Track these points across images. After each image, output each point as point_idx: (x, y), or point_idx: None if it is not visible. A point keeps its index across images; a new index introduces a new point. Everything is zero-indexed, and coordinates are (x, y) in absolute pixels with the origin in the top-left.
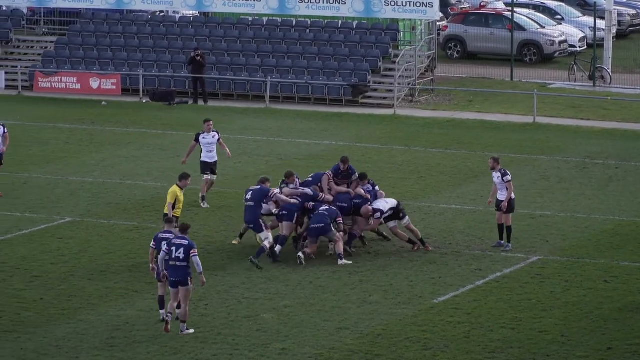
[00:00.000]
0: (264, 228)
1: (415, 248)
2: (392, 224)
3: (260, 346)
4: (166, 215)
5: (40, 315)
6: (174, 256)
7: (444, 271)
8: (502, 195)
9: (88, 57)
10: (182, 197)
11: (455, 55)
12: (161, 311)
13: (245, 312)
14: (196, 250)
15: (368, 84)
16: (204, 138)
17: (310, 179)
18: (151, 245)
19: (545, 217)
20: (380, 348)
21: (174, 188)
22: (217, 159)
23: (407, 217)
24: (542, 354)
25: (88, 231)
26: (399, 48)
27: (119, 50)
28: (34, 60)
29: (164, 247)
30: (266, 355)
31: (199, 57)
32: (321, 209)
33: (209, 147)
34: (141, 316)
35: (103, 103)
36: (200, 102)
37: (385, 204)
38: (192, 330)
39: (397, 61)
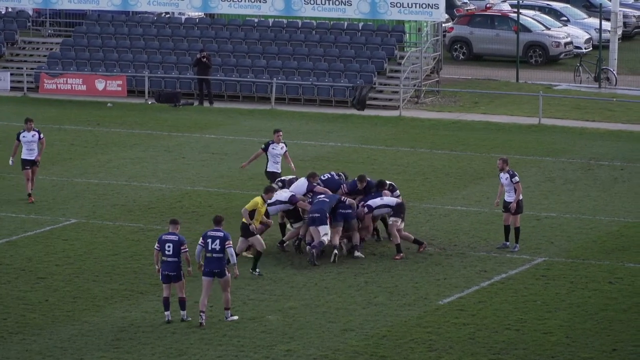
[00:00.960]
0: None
1: (420, 249)
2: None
3: (265, 347)
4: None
5: (45, 317)
6: (210, 248)
7: (449, 272)
8: (509, 197)
9: (93, 58)
10: (263, 209)
11: (461, 56)
12: (166, 312)
13: (251, 313)
14: (231, 242)
15: (374, 86)
16: (273, 149)
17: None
18: (155, 247)
19: (550, 219)
20: (385, 349)
21: (258, 198)
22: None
23: (396, 219)
24: (547, 355)
25: (93, 233)
26: (405, 49)
27: (125, 52)
28: (39, 62)
29: (200, 240)
30: (271, 357)
31: (204, 59)
32: (320, 196)
33: (276, 158)
34: (146, 317)
35: (109, 105)
36: (206, 104)
37: (380, 201)
38: (236, 317)
39: (402, 62)
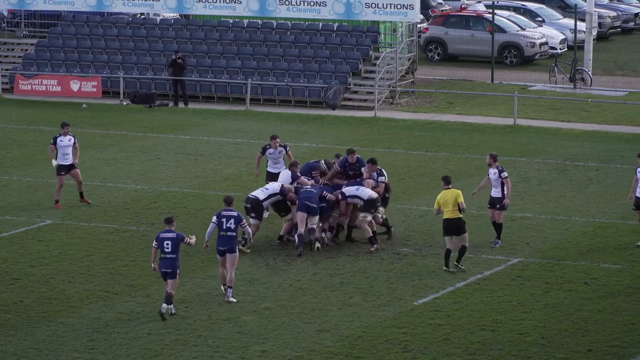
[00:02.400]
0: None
1: (371, 249)
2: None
3: (240, 348)
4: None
5: (20, 318)
6: (224, 227)
7: (424, 273)
8: (496, 192)
9: (69, 59)
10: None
11: (436, 57)
12: (163, 305)
13: (226, 314)
14: (245, 222)
15: (348, 86)
16: (270, 153)
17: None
18: (153, 245)
19: (525, 219)
20: (360, 350)
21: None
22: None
23: (365, 214)
24: (522, 355)
25: (68, 234)
26: (380, 50)
27: (100, 53)
28: (14, 63)
29: (214, 219)
30: (246, 358)
31: (179, 60)
32: (307, 187)
33: (275, 160)
34: (121, 318)
35: (84, 105)
36: (181, 105)
37: (355, 191)
38: (235, 300)
39: (377, 63)
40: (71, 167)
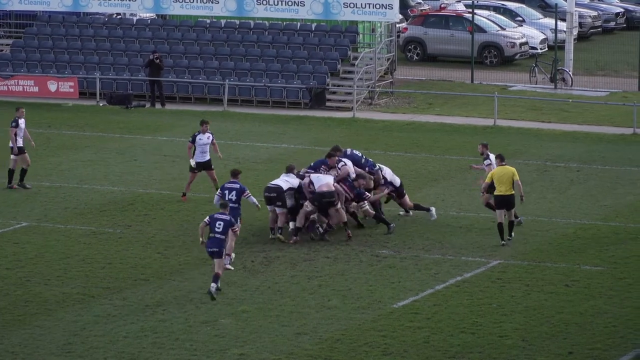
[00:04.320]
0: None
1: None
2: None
3: (218, 351)
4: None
5: None
6: (227, 198)
7: (403, 275)
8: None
9: (45, 60)
10: None
11: (415, 57)
12: (212, 285)
13: (203, 317)
14: (248, 192)
15: (327, 87)
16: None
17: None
18: (205, 220)
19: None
20: (339, 353)
21: None
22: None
23: (362, 204)
24: (502, 358)
25: (44, 236)
26: (358, 50)
27: (76, 53)
28: None
29: (218, 192)
30: None
31: (157, 60)
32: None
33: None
34: (98, 321)
35: (69, 104)
36: (158, 106)
37: (317, 181)
38: (232, 268)
39: (356, 63)
40: (207, 165)
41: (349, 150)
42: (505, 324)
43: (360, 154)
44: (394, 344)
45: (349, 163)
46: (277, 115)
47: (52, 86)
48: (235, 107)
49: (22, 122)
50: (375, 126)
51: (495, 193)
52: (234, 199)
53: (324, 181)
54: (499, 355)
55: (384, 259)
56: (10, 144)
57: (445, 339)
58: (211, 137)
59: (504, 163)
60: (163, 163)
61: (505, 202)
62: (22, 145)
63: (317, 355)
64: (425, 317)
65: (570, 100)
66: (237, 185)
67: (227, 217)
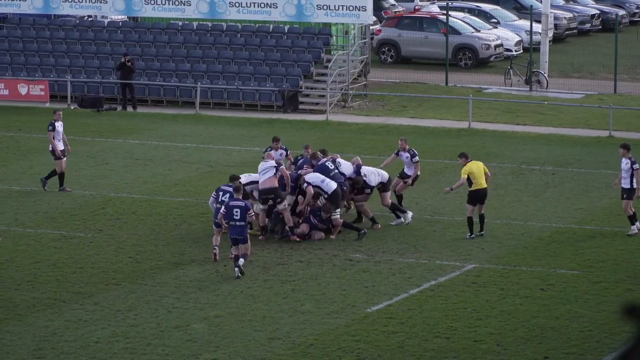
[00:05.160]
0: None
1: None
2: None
3: (190, 357)
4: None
5: None
6: (219, 200)
7: (377, 280)
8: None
9: (15, 62)
10: None
11: (389, 59)
12: (236, 269)
13: (176, 322)
14: (252, 212)
15: (300, 90)
16: (58, 127)
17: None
18: (221, 210)
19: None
20: (312, 358)
21: None
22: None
23: (284, 202)
24: None
25: (15, 240)
26: (332, 53)
27: (47, 56)
28: None
29: (213, 193)
30: None
31: (128, 63)
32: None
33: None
34: (69, 326)
35: (72, 107)
36: (129, 109)
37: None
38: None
39: (329, 66)
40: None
41: (322, 160)
42: (480, 328)
43: (332, 167)
44: (367, 348)
45: (344, 165)
46: (250, 118)
47: (23, 89)
48: (207, 110)
49: (58, 125)
50: (349, 129)
51: (474, 188)
52: (238, 218)
53: (266, 177)
54: None
55: (358, 263)
56: (50, 148)
57: (419, 343)
58: (284, 153)
59: (469, 160)
60: (134, 166)
61: (483, 196)
62: (61, 149)
63: None
64: (399, 321)
65: (546, 102)
66: (243, 204)
67: (242, 203)
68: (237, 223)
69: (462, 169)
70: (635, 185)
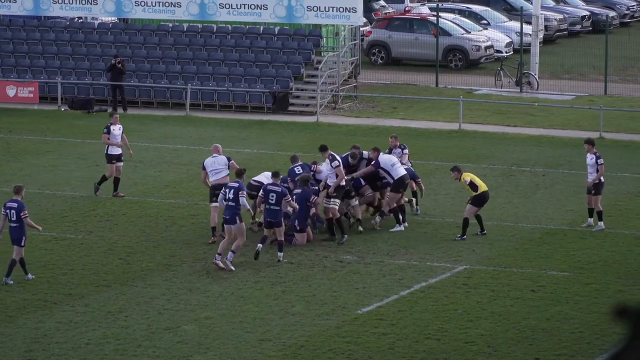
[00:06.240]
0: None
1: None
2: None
3: (181, 358)
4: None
5: None
6: (226, 197)
7: (367, 281)
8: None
9: (5, 64)
10: None
11: (379, 61)
12: (259, 245)
13: (166, 323)
14: (244, 192)
15: (290, 91)
16: (114, 130)
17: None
18: (260, 194)
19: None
20: (303, 359)
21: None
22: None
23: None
24: None
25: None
26: (322, 54)
27: (37, 58)
28: None
29: (223, 189)
30: None
31: (119, 64)
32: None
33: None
34: (60, 328)
35: (62, 109)
36: (120, 110)
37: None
38: (232, 268)
39: (319, 67)
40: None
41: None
42: (471, 329)
43: (300, 172)
44: (358, 350)
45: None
46: (240, 120)
47: (11, 91)
48: (197, 112)
49: (114, 128)
50: (339, 130)
51: (481, 191)
52: (231, 198)
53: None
54: None
55: (348, 264)
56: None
57: (410, 345)
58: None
59: (462, 172)
60: (125, 168)
61: (488, 198)
62: (114, 153)
63: None
64: (390, 323)
65: (536, 104)
66: (236, 184)
67: (279, 189)
68: (272, 207)
69: (460, 180)
70: (602, 180)
